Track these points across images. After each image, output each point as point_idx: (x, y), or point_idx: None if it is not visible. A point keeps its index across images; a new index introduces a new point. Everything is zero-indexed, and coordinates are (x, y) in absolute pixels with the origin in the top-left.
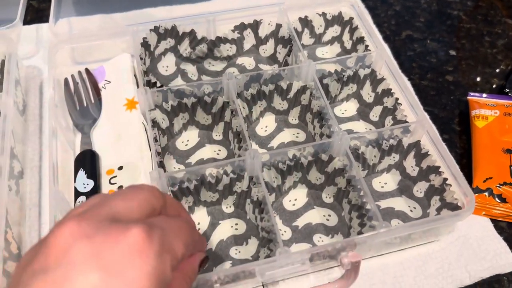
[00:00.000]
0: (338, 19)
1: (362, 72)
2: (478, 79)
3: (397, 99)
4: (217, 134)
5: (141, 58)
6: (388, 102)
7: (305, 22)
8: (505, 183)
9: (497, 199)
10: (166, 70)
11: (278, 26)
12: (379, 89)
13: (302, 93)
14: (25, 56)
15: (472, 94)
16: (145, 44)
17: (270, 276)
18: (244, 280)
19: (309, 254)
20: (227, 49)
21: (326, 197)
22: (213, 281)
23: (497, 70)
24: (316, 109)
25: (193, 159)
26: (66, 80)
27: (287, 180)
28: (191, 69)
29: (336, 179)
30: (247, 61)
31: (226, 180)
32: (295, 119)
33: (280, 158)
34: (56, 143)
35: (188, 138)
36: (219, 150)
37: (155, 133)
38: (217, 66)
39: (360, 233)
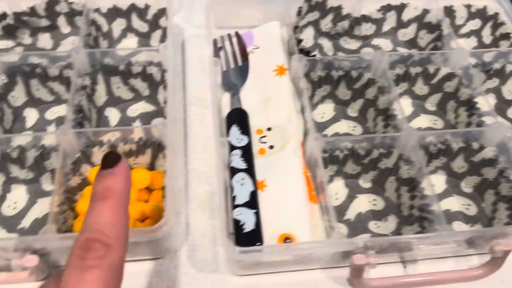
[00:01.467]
0: (481, 13)
1: (509, 68)
2: None
3: None
4: (352, 111)
5: (296, 27)
6: None
7: (449, 11)
8: None
9: None
10: (305, 44)
11: (425, 11)
12: None
13: (447, 80)
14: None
15: None
16: (298, 14)
17: (423, 251)
18: (388, 254)
19: (470, 235)
20: (367, 29)
21: (465, 186)
22: (362, 247)
23: None
24: (465, 97)
25: (329, 131)
26: (215, 40)
27: (431, 163)
28: (326, 45)
29: (483, 170)
30: (384, 43)
31: (375, 154)
32: (433, 106)
33: (429, 140)
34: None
35: (324, 111)
36: (354, 127)
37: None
38: (352, 44)
39: (508, 223)
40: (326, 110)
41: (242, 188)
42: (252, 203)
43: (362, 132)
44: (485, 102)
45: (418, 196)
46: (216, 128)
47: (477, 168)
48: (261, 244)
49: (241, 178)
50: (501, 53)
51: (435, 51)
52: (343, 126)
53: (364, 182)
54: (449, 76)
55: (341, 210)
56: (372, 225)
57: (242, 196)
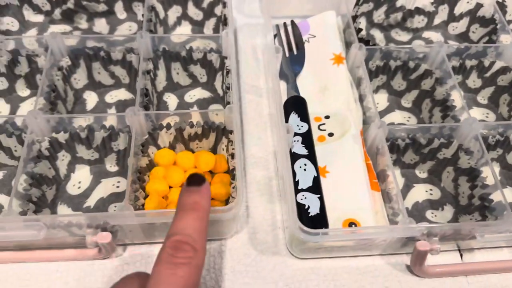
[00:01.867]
0: None
1: None
2: None
3: None
4: (406, 102)
5: (355, 16)
6: None
7: (500, 6)
8: None
9: None
10: (363, 33)
11: (478, 5)
12: None
13: (502, 74)
14: None
15: None
16: (356, 3)
17: (485, 239)
18: (448, 242)
19: None
20: (418, 21)
21: None
22: (426, 233)
23: None
24: None
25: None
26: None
27: (489, 154)
28: (378, 36)
29: None
30: (434, 36)
31: (436, 144)
32: (485, 99)
33: (486, 132)
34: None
35: (378, 101)
36: (409, 117)
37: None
38: (403, 36)
39: None
40: (380, 100)
41: (305, 173)
42: (316, 188)
43: (416, 123)
44: None
45: (479, 186)
46: (278, 115)
47: None
48: (327, 228)
49: (304, 164)
50: None
51: (490, 44)
52: (397, 116)
53: (421, 172)
54: (504, 70)
55: None
56: (429, 214)
57: (305, 181)
